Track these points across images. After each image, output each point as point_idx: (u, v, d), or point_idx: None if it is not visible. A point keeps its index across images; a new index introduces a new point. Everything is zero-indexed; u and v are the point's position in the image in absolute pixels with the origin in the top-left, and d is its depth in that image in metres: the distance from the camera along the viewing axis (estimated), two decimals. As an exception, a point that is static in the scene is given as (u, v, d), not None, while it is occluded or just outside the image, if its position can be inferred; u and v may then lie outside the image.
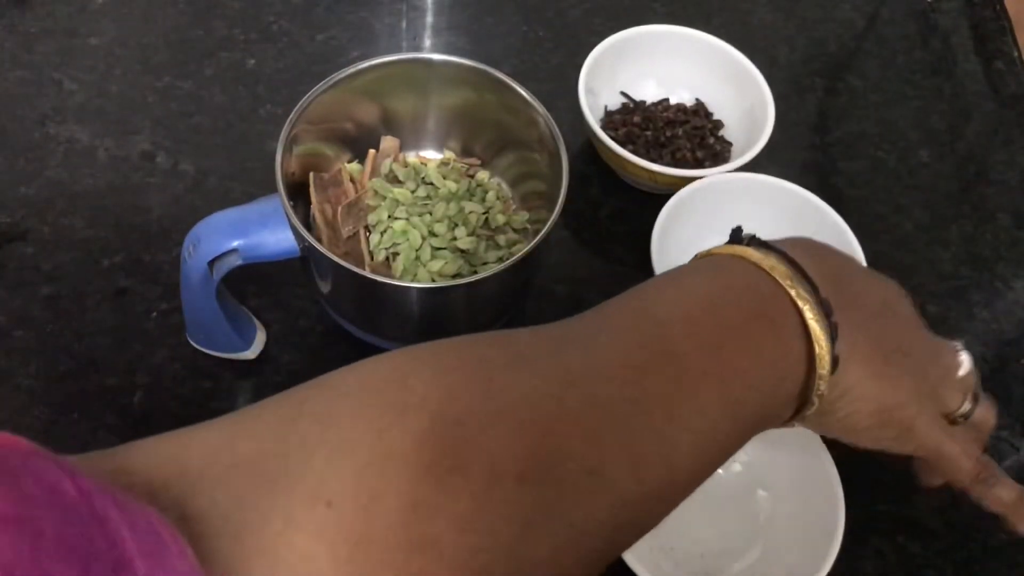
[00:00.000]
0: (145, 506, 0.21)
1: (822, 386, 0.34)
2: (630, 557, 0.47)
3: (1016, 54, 0.79)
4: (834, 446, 0.51)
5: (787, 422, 0.36)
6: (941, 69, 0.78)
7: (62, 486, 0.18)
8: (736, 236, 0.37)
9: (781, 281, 0.33)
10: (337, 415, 0.26)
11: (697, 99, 0.70)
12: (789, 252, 0.34)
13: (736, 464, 0.55)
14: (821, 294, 0.33)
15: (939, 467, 0.39)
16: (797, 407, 0.35)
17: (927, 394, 0.38)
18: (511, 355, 0.30)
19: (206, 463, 0.24)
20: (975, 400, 0.40)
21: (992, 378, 0.61)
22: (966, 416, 0.40)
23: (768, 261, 0.34)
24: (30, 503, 0.17)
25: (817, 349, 0.33)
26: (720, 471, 0.55)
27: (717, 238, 0.63)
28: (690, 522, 0.54)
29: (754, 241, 0.36)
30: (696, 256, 0.38)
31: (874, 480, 0.56)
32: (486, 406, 0.27)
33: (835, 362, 0.33)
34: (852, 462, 0.55)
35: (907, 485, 0.57)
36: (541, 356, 0.30)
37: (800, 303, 0.33)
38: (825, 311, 0.33)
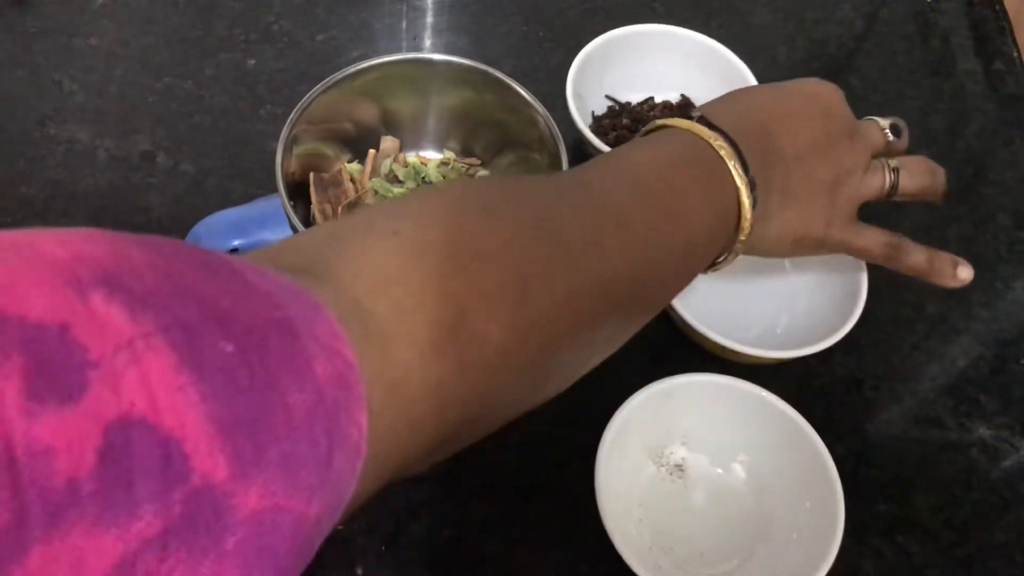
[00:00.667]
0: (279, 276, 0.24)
1: (743, 235, 0.42)
2: (630, 557, 0.47)
3: (1016, 54, 0.79)
4: (834, 445, 0.52)
5: (725, 253, 0.44)
6: (941, 69, 0.78)
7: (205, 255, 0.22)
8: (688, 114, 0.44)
9: (727, 160, 0.41)
10: (381, 211, 0.34)
11: (682, 95, 0.70)
12: (729, 131, 0.42)
13: (736, 464, 0.55)
14: (751, 173, 0.41)
15: (855, 255, 0.49)
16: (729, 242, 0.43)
17: (840, 207, 0.46)
18: (483, 203, 0.34)
19: (293, 259, 0.28)
20: (895, 173, 0.48)
21: (992, 378, 0.61)
22: (894, 187, 0.48)
23: (718, 141, 0.41)
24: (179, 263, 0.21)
25: (743, 213, 0.41)
26: (720, 470, 0.55)
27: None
28: (690, 522, 0.54)
29: (703, 120, 0.42)
30: (657, 123, 0.44)
31: (874, 480, 0.57)
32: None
33: (754, 223, 0.42)
34: (852, 462, 0.55)
35: (907, 485, 0.57)
36: (517, 203, 0.35)
37: (736, 178, 0.41)
38: (751, 184, 0.41)
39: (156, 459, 0.17)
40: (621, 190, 0.38)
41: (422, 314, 0.28)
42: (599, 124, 0.68)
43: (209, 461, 0.18)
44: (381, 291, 0.27)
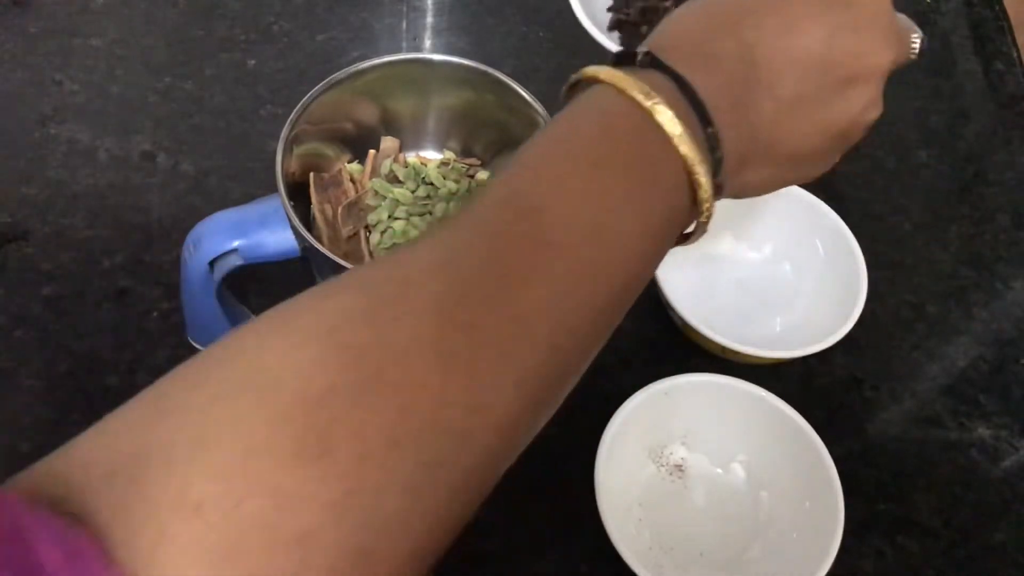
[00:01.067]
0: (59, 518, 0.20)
1: (704, 216, 0.33)
2: (630, 557, 0.47)
3: (1016, 54, 0.79)
4: (833, 445, 0.52)
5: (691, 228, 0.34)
6: (941, 69, 0.78)
7: None
8: (623, 56, 0.33)
9: (671, 137, 0.30)
10: (194, 407, 0.25)
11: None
12: (687, 70, 0.31)
13: (736, 464, 0.55)
14: (713, 127, 0.31)
15: None
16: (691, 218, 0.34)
17: (843, 149, 0.37)
18: (373, 297, 0.27)
19: (86, 476, 0.23)
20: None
21: (991, 378, 0.61)
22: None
23: (657, 104, 0.30)
24: None
25: (700, 195, 0.32)
26: (719, 470, 0.55)
27: (717, 238, 0.64)
28: (690, 522, 0.54)
29: (649, 59, 0.32)
30: (583, 75, 0.33)
31: (874, 480, 0.57)
32: (346, 377, 0.25)
33: (719, 189, 0.32)
34: (852, 462, 0.55)
35: (907, 485, 0.57)
36: (408, 291, 0.27)
37: (688, 155, 0.30)
38: (712, 147, 0.31)
39: None
40: (517, 247, 0.28)
41: None
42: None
43: None
44: None
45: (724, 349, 0.55)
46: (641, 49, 0.32)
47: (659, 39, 0.33)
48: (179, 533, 0.22)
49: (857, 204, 0.68)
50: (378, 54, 0.57)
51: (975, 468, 0.58)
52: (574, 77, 0.34)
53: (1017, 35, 0.80)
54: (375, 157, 0.60)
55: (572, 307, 0.29)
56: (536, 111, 0.54)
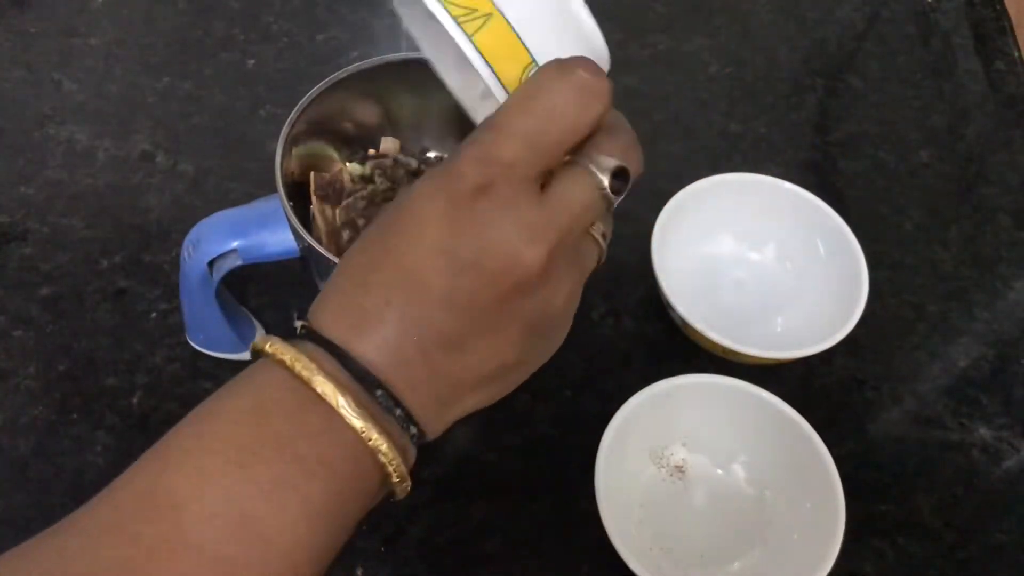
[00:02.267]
0: None
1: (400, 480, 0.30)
2: (630, 557, 0.47)
3: (1016, 54, 0.79)
4: (834, 446, 0.51)
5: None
6: (941, 69, 0.78)
7: None
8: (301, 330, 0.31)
9: (335, 406, 0.28)
10: None
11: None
12: (345, 342, 0.29)
13: (737, 465, 0.55)
14: (405, 404, 0.30)
15: None
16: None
17: (538, 345, 0.33)
18: None
19: None
20: (603, 240, 0.33)
21: (992, 378, 0.61)
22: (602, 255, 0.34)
23: (317, 379, 0.28)
24: None
25: (381, 457, 0.29)
26: (720, 471, 0.55)
27: (717, 238, 0.64)
28: (690, 523, 0.54)
29: (303, 334, 0.30)
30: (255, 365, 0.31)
31: (874, 480, 0.57)
32: None
33: (422, 435, 0.31)
34: (852, 462, 0.55)
35: (907, 485, 0.57)
36: None
37: (360, 431, 0.28)
38: (386, 406, 0.29)
39: None
40: (156, 552, 0.26)
41: None
42: None
43: None
44: None
45: (725, 349, 0.55)
46: (300, 322, 0.31)
47: (318, 307, 0.31)
48: None
49: (858, 204, 0.68)
50: (378, 54, 0.57)
51: (976, 469, 0.57)
52: (248, 349, 0.32)
53: (1017, 35, 0.80)
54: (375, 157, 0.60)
55: None
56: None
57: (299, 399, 0.29)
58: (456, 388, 0.31)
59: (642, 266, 0.57)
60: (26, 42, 0.70)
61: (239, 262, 0.49)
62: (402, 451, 0.30)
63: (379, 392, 0.29)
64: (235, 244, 0.48)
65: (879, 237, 0.66)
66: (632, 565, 0.47)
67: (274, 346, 0.29)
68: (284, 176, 0.50)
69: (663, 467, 0.55)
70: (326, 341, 0.29)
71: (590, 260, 0.33)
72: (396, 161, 0.60)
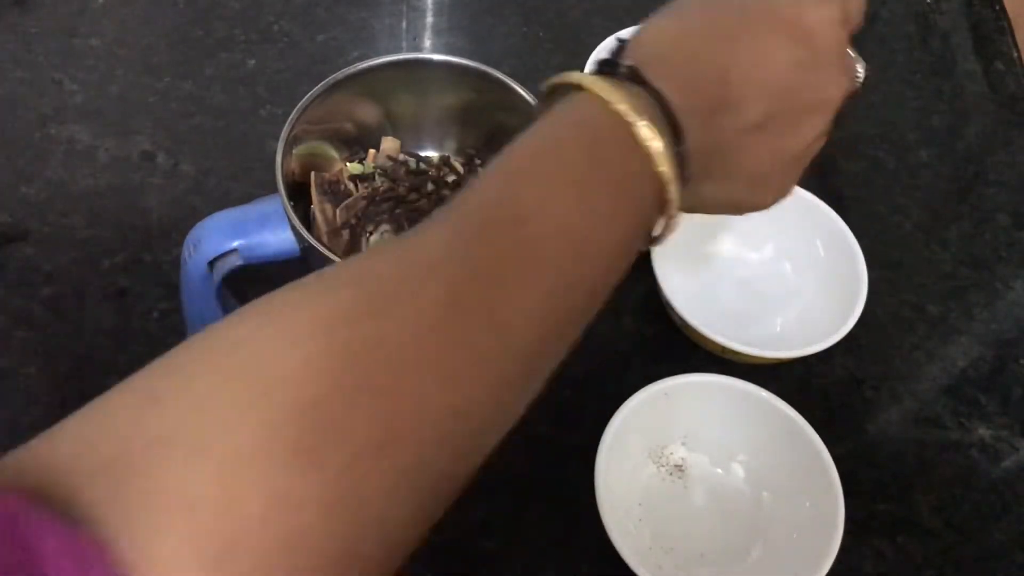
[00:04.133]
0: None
1: (670, 222, 0.34)
2: (630, 557, 0.47)
3: (1016, 54, 0.79)
4: (833, 445, 0.52)
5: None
6: (941, 69, 0.78)
7: None
8: (610, 63, 0.34)
9: (651, 152, 0.32)
10: (187, 406, 0.25)
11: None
12: (670, 91, 0.33)
13: (736, 464, 0.55)
14: (684, 144, 0.33)
15: None
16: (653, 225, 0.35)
17: (797, 174, 0.39)
18: (368, 296, 0.27)
19: (75, 467, 0.23)
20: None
21: (991, 378, 0.61)
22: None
23: (641, 120, 0.31)
24: None
25: (668, 205, 0.33)
26: (719, 470, 0.55)
27: (717, 238, 0.64)
28: (690, 522, 0.54)
29: (632, 72, 0.33)
30: (563, 81, 0.34)
31: (874, 480, 0.57)
32: (339, 382, 0.25)
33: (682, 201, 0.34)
34: (852, 462, 0.55)
35: (906, 484, 0.57)
36: (402, 291, 0.27)
37: (663, 172, 0.32)
38: (681, 162, 0.33)
39: None
40: (507, 257, 0.29)
41: None
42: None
43: None
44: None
45: (724, 349, 0.55)
46: (623, 60, 0.33)
47: (638, 52, 0.34)
48: (174, 533, 0.22)
49: (857, 204, 0.68)
50: (378, 54, 0.57)
51: (975, 468, 0.58)
52: (554, 80, 0.34)
53: (1017, 35, 0.80)
54: (375, 157, 0.60)
55: (552, 318, 0.30)
56: (536, 111, 0.54)
57: (621, 141, 0.31)
58: (720, 173, 0.36)
59: (642, 264, 0.57)
60: (27, 42, 0.70)
61: (240, 262, 0.49)
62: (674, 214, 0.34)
63: (681, 148, 0.33)
64: (236, 244, 0.48)
65: (878, 237, 0.66)
66: (632, 564, 0.47)
67: (595, 84, 0.32)
68: (284, 176, 0.50)
69: (663, 466, 0.55)
70: (653, 88, 0.32)
71: (851, 75, 0.38)
72: (396, 161, 0.60)
